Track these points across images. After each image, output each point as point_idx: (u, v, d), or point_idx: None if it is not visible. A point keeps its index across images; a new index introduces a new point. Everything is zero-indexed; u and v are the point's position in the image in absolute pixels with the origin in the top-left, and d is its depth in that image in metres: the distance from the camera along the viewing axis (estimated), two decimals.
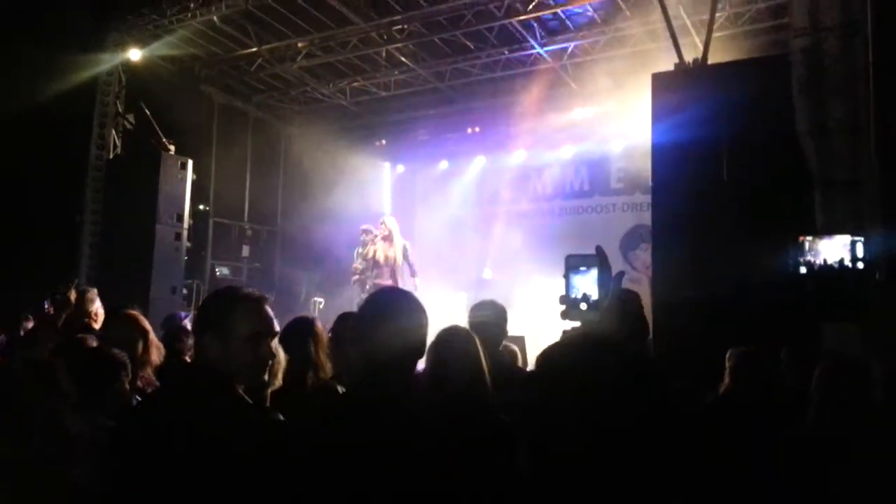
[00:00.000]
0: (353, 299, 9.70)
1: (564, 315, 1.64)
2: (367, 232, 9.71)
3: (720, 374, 3.24)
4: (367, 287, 9.23)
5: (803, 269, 4.59)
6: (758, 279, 4.74)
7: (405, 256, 9.48)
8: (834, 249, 4.51)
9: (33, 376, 2.11)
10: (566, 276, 1.67)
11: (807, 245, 4.65)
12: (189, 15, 9.72)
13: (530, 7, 9.14)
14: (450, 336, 2.67)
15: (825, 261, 4.51)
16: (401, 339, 1.82)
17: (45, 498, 1.93)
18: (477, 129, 12.89)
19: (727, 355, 3.23)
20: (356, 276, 9.70)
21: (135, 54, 10.33)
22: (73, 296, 4.54)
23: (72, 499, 1.89)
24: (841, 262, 4.43)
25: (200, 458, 1.66)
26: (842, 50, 4.93)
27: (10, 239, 9.57)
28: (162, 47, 10.36)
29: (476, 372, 2.55)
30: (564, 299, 1.64)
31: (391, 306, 1.90)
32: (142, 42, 10.31)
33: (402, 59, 10.98)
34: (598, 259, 1.71)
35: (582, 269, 1.69)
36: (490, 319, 3.28)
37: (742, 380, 3.07)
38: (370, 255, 9.42)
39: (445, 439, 1.79)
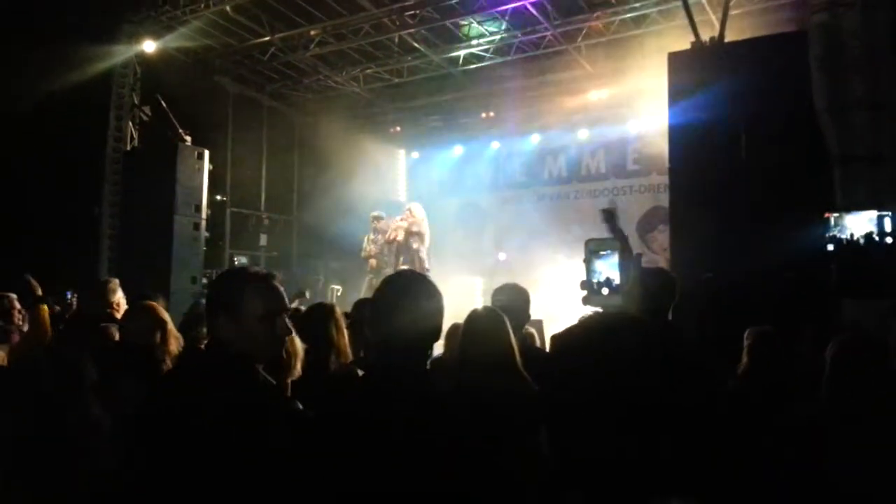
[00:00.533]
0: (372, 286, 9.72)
1: (586, 301, 1.64)
2: (377, 218, 9.71)
3: (740, 354, 3.24)
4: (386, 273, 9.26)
5: (830, 246, 4.53)
6: (780, 258, 4.69)
7: (422, 242, 9.47)
8: (860, 225, 4.44)
9: (61, 368, 2.15)
10: (587, 261, 1.66)
11: (832, 221, 4.59)
12: (202, 6, 9.75)
13: None
14: (479, 317, 2.69)
15: (852, 236, 4.46)
16: (417, 321, 1.83)
17: (77, 485, 1.97)
18: (491, 114, 12.84)
19: (745, 335, 3.22)
20: (373, 261, 9.73)
21: (149, 46, 10.38)
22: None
23: (101, 485, 1.93)
24: (868, 237, 4.38)
25: (225, 437, 1.68)
26: (862, 25, 4.84)
27: (30, 231, 9.71)
28: (176, 39, 10.40)
29: (507, 349, 2.58)
30: (585, 284, 1.64)
31: (408, 289, 1.91)
32: (156, 34, 10.36)
33: (415, 44, 10.94)
34: (619, 243, 1.70)
35: (602, 253, 1.68)
36: (512, 302, 3.29)
37: (760, 359, 3.07)
38: (391, 238, 9.47)
39: (466, 421, 1.80)
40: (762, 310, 4.12)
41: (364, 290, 9.65)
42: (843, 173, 4.71)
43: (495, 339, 2.57)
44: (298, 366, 2.71)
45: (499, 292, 3.38)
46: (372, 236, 9.78)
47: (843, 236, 4.52)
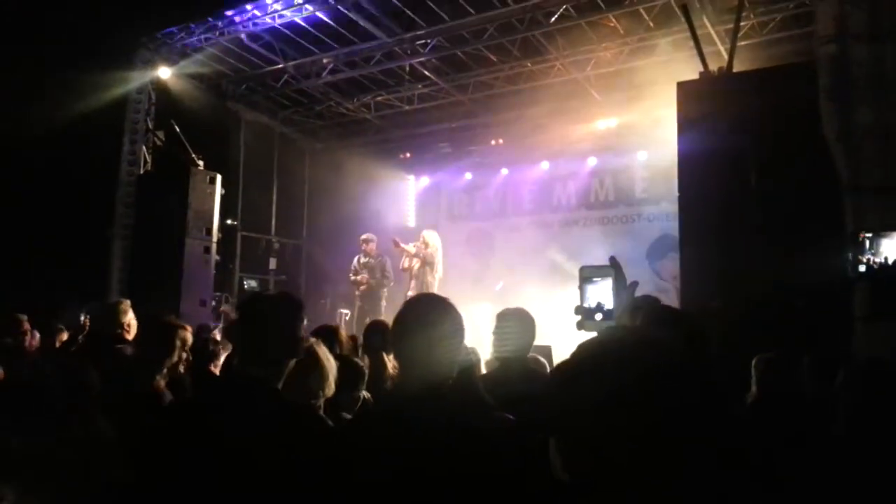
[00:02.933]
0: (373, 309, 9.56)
1: (580, 326, 1.66)
2: (366, 241, 9.65)
3: (747, 382, 3.22)
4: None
5: (862, 268, 4.48)
6: (792, 286, 4.68)
7: (433, 271, 9.36)
8: (892, 248, 4.39)
9: (65, 379, 2.17)
10: (581, 288, 1.69)
11: (867, 244, 4.54)
12: (217, 33, 9.94)
13: (552, 20, 9.17)
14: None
15: (886, 259, 4.41)
16: (436, 343, 1.85)
17: (84, 498, 1.97)
18: (500, 141, 12.93)
19: (753, 363, 3.20)
20: (363, 287, 9.59)
21: (164, 72, 10.57)
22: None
23: (108, 498, 1.94)
24: None
25: (252, 456, 1.70)
26: (869, 56, 4.89)
27: (43, 253, 9.81)
28: (191, 65, 10.60)
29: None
30: (580, 310, 1.66)
31: (428, 311, 1.94)
32: (171, 60, 10.56)
33: (426, 72, 11.09)
34: (613, 269, 1.72)
35: (596, 279, 1.71)
36: (517, 328, 3.29)
37: (770, 388, 3.05)
38: (405, 267, 9.40)
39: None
40: (772, 338, 4.10)
41: (356, 315, 9.55)
42: (853, 203, 4.72)
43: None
44: (332, 384, 2.70)
45: (502, 318, 3.37)
46: (364, 259, 9.66)
47: (878, 259, 4.47)
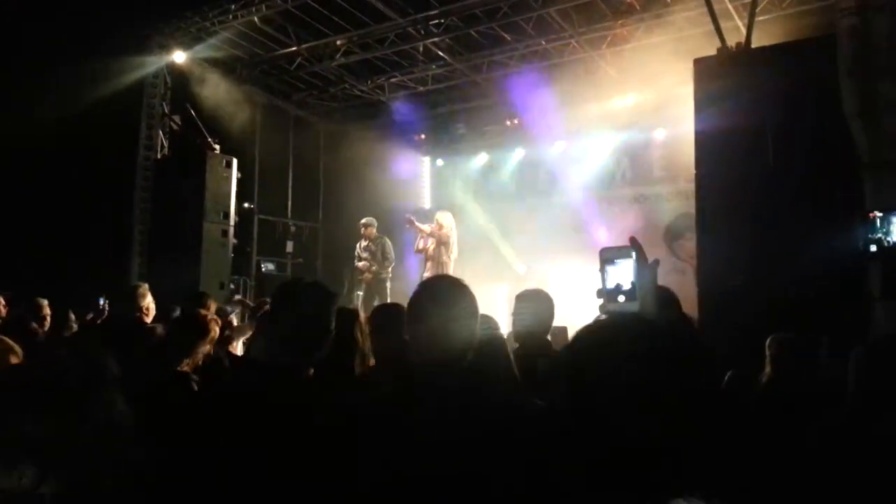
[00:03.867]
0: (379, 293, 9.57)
1: (602, 308, 1.65)
2: (366, 226, 9.62)
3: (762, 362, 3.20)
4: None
5: (873, 248, 4.42)
6: (810, 264, 4.63)
7: (448, 251, 9.34)
8: None
9: (83, 363, 2.20)
10: (602, 270, 1.67)
11: (878, 222, 4.47)
12: (230, 17, 9.93)
13: None
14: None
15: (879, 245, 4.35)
16: (453, 324, 1.87)
17: (101, 483, 2.01)
18: (515, 122, 12.84)
19: (767, 343, 3.18)
20: (367, 275, 9.55)
21: (179, 56, 10.60)
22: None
23: (131, 479, 1.98)
24: None
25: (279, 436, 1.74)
26: (891, 29, 4.78)
27: (63, 238, 9.93)
28: (205, 49, 10.60)
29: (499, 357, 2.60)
30: (601, 292, 1.65)
31: (445, 292, 1.95)
32: (185, 44, 10.57)
33: (440, 53, 11.01)
34: (634, 250, 1.70)
35: (617, 261, 1.69)
36: (535, 308, 3.30)
37: (783, 368, 3.03)
38: (420, 248, 9.38)
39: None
40: (790, 317, 4.07)
41: (361, 300, 9.53)
42: (873, 178, 4.64)
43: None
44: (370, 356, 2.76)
45: (521, 298, 3.38)
46: (364, 244, 9.64)
47: (890, 238, 4.40)
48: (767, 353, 3.16)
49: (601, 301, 1.66)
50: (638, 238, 1.81)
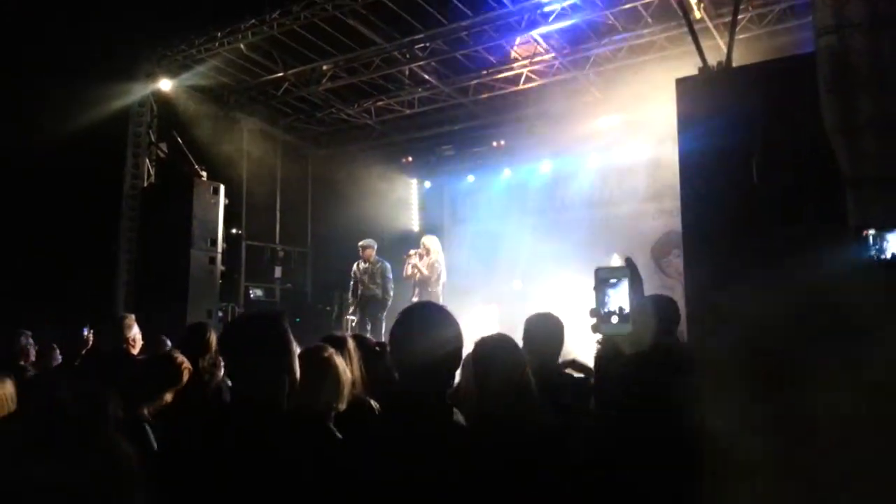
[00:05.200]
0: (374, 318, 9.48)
1: (595, 328, 1.64)
2: (364, 248, 9.55)
3: None
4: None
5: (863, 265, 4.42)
6: (798, 281, 4.64)
7: (438, 279, 9.28)
8: None
9: (85, 403, 2.16)
10: (596, 290, 1.67)
11: (871, 239, 4.49)
12: (217, 44, 9.98)
13: (551, 19, 9.16)
14: (489, 344, 2.70)
15: (893, 255, 4.34)
16: (436, 350, 1.86)
17: None
18: (502, 143, 12.91)
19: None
20: (361, 297, 9.48)
21: (165, 84, 10.62)
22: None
23: None
24: None
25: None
26: (869, 46, 4.85)
27: (48, 268, 9.85)
28: (192, 77, 10.64)
29: (523, 376, 2.59)
30: (595, 312, 1.64)
31: (426, 318, 1.95)
32: (172, 72, 10.60)
33: (426, 76, 11.09)
34: (629, 271, 1.70)
35: (612, 281, 1.68)
36: (546, 333, 3.27)
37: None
38: (409, 274, 9.32)
39: (487, 451, 1.81)
40: (778, 333, 4.07)
41: (357, 324, 9.46)
42: (855, 196, 4.67)
43: (509, 366, 2.58)
44: (346, 396, 2.70)
45: (531, 323, 3.33)
46: (363, 266, 9.55)
47: (883, 256, 4.40)
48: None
49: (594, 321, 1.65)
50: (625, 256, 1.80)
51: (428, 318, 1.96)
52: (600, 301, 1.66)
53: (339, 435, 2.36)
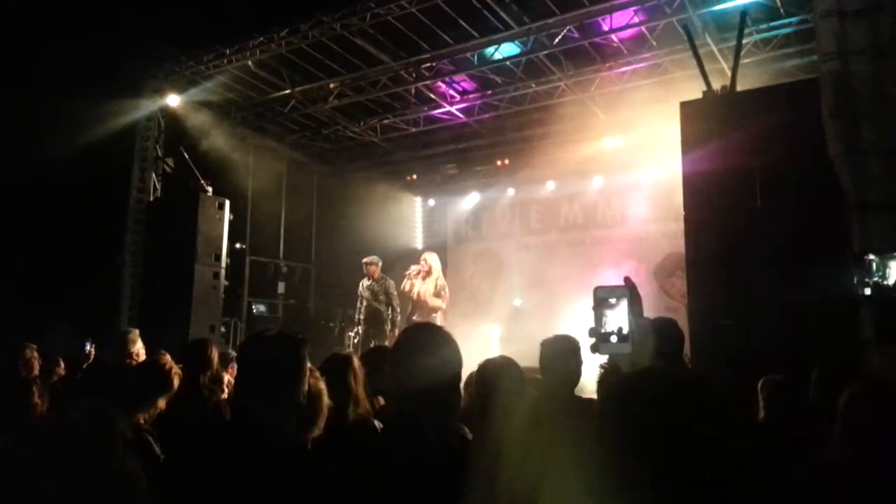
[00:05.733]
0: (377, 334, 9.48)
1: (594, 349, 1.65)
2: (368, 265, 9.56)
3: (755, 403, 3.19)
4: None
5: (868, 291, 4.42)
6: (800, 305, 4.64)
7: (440, 295, 9.28)
8: None
9: (95, 426, 2.16)
10: (595, 310, 1.67)
11: (873, 266, 4.49)
12: (225, 61, 10.07)
13: (556, 41, 9.25)
14: (494, 366, 2.71)
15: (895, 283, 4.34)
16: (434, 373, 1.86)
17: None
18: (506, 162, 12.98)
19: (760, 386, 3.16)
20: (360, 315, 9.47)
21: (173, 100, 10.71)
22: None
23: None
24: None
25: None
26: (872, 73, 4.89)
27: (52, 280, 9.87)
28: (200, 92, 10.72)
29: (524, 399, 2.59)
30: (594, 332, 1.64)
31: (424, 341, 1.95)
32: (179, 88, 10.69)
33: (431, 95, 11.17)
34: (628, 290, 1.70)
35: (611, 300, 1.69)
36: (562, 356, 3.25)
37: (778, 411, 3.01)
38: (407, 290, 9.32)
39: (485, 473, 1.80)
40: (782, 358, 4.07)
41: (360, 340, 9.45)
42: (859, 220, 4.69)
43: (513, 388, 2.58)
44: (322, 423, 2.68)
45: (547, 346, 3.30)
46: (367, 283, 9.56)
47: (885, 282, 4.40)
48: (761, 395, 3.14)
49: (593, 341, 1.65)
50: (630, 277, 1.81)
51: (423, 341, 1.96)
52: (599, 321, 1.66)
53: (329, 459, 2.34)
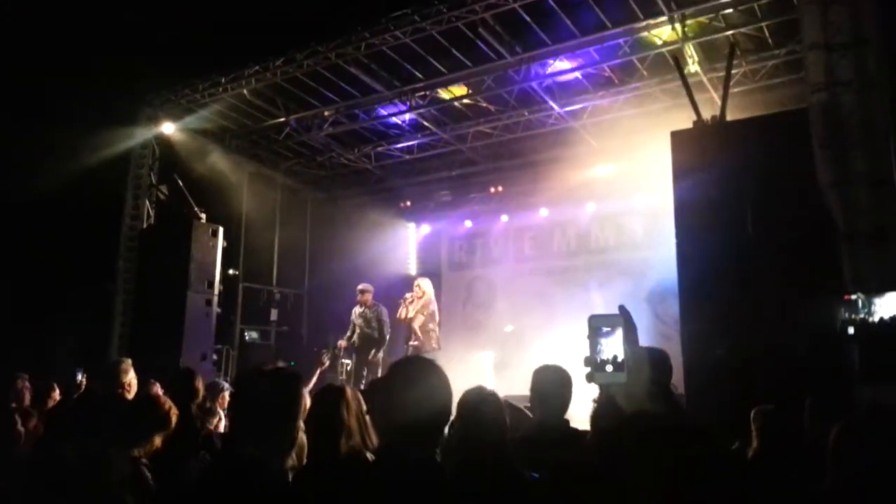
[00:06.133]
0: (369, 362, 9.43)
1: (590, 378, 1.64)
2: (362, 292, 9.56)
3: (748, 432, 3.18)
4: (408, 349, 9.07)
5: (851, 330, 4.42)
6: (792, 335, 4.66)
7: (433, 320, 9.27)
8: (888, 306, 4.33)
9: (92, 465, 2.13)
10: (589, 338, 1.67)
11: (859, 303, 4.50)
12: (220, 90, 10.14)
13: (549, 70, 9.37)
14: (478, 402, 2.68)
15: (881, 319, 4.35)
16: (424, 407, 1.85)
17: None
18: (500, 189, 13.06)
19: (752, 415, 3.16)
20: (344, 343, 9.46)
21: (168, 128, 10.75)
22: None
23: None
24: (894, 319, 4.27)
25: None
26: (859, 104, 4.97)
27: (44, 307, 9.82)
28: (194, 120, 10.78)
29: (501, 437, 2.57)
30: (589, 361, 1.64)
31: (414, 375, 1.94)
32: (175, 116, 10.75)
33: (425, 123, 11.26)
34: (623, 319, 1.70)
35: (606, 329, 1.68)
36: (553, 386, 3.24)
37: (769, 440, 3.01)
38: (403, 317, 9.29)
39: None
40: (775, 388, 4.07)
41: (353, 368, 9.41)
42: (849, 250, 4.73)
43: (487, 423, 2.56)
44: (299, 455, 2.66)
45: (538, 374, 3.29)
46: (360, 310, 9.56)
47: (871, 318, 4.41)
48: (753, 425, 3.14)
49: (588, 370, 1.65)
50: (622, 303, 1.81)
51: (412, 374, 1.95)
52: (594, 350, 1.65)
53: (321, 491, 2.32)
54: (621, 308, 1.71)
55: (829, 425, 2.22)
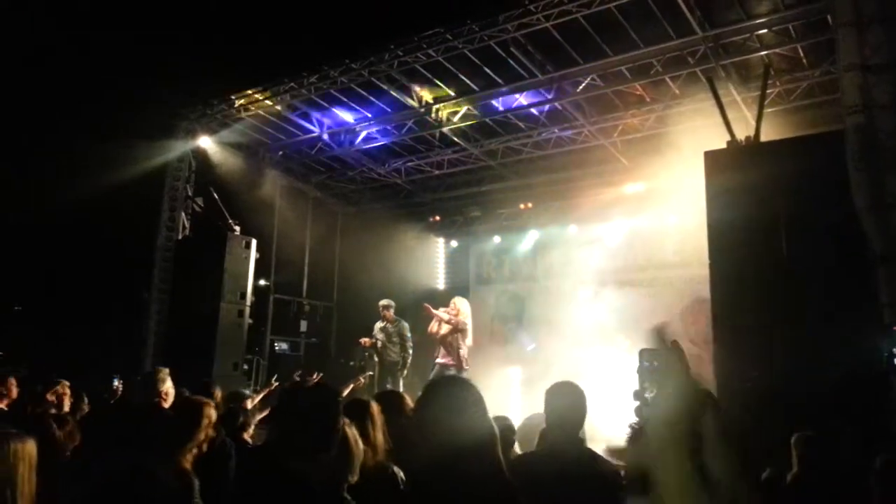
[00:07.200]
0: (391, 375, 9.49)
1: (638, 412, 1.68)
2: (385, 308, 9.61)
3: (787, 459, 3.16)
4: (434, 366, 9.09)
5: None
6: (829, 360, 4.59)
7: (464, 339, 9.24)
8: None
9: (143, 482, 2.17)
10: (639, 372, 1.70)
11: None
12: (256, 104, 10.35)
13: (579, 89, 9.39)
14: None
15: None
16: (464, 429, 1.88)
17: None
18: (529, 205, 13.07)
19: (793, 441, 3.14)
20: (368, 345, 9.54)
21: (204, 141, 11.00)
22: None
23: None
24: None
25: None
26: (895, 126, 4.93)
27: (82, 316, 10.06)
28: (230, 135, 11.01)
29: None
30: (638, 395, 1.68)
31: (453, 398, 1.98)
32: (211, 130, 11.00)
33: (455, 139, 11.35)
34: (675, 353, 1.72)
35: (655, 363, 1.72)
36: (569, 404, 3.21)
37: (810, 466, 2.99)
38: (434, 331, 9.29)
39: None
40: (810, 413, 4.02)
41: (377, 380, 9.45)
42: (885, 273, 4.67)
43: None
44: (357, 469, 2.68)
45: (551, 393, 3.26)
46: (381, 325, 9.61)
47: None
48: (794, 451, 3.12)
49: (637, 404, 1.68)
50: (651, 322, 1.84)
51: (453, 397, 1.98)
52: (642, 384, 1.68)
53: None
54: (674, 343, 1.72)
55: (870, 453, 2.22)
